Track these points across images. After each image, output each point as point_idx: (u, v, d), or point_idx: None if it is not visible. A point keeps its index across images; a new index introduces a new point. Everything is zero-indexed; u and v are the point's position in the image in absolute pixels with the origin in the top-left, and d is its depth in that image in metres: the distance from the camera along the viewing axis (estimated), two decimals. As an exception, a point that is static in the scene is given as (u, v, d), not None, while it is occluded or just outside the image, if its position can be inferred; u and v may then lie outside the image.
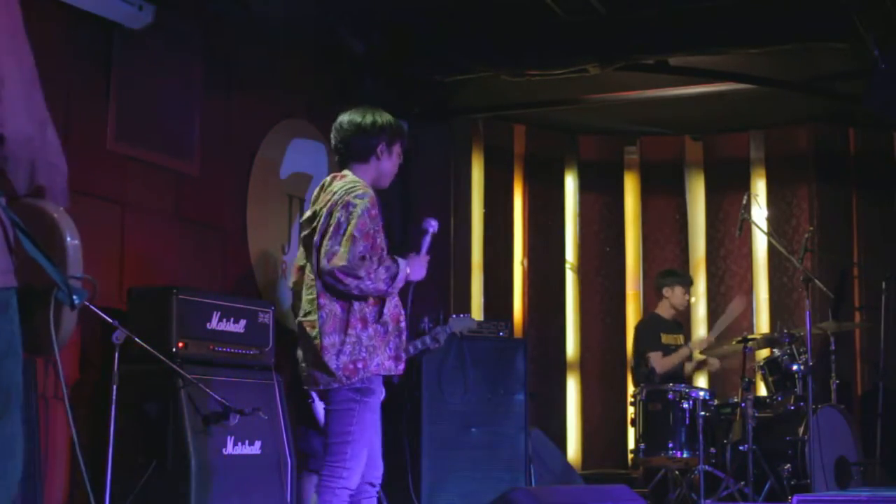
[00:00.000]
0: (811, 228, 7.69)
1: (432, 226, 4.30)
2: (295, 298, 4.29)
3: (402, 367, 4.11)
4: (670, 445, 6.95)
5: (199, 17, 5.80)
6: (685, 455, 6.92)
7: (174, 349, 4.76)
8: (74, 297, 1.96)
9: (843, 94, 7.45)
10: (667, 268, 8.33)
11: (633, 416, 7.15)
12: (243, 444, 4.93)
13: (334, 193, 4.07)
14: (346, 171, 4.22)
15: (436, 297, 6.82)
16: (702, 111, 8.26)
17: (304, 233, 4.19)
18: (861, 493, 5.41)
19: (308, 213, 4.19)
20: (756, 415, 6.65)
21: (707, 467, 6.68)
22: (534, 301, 8.56)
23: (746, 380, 6.61)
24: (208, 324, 4.99)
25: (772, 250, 8.36)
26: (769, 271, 8.51)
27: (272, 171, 6.37)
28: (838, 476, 6.80)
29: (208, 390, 4.67)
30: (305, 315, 4.08)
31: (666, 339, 7.70)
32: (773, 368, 7.01)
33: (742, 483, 6.59)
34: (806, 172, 8.48)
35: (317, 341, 3.98)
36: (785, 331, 6.96)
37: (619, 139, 9.02)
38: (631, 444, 7.53)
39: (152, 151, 5.49)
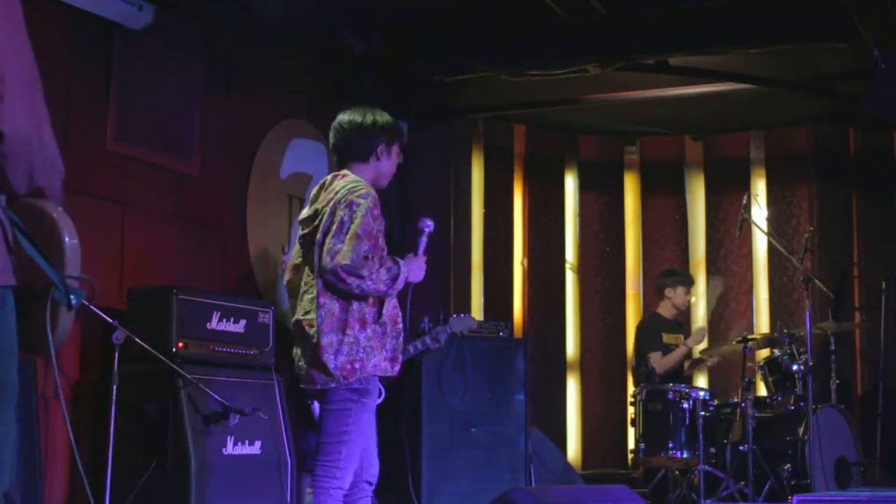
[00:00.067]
0: (811, 228, 7.69)
1: (428, 226, 4.29)
2: (290, 297, 4.28)
3: (397, 368, 4.10)
4: (670, 445, 6.95)
5: (199, 17, 5.81)
6: (685, 455, 6.92)
7: (174, 349, 4.76)
8: (72, 296, 1.96)
9: (843, 94, 7.45)
10: (667, 268, 8.33)
11: (633, 416, 7.15)
12: (243, 444, 4.93)
13: (336, 192, 4.06)
14: (346, 171, 4.21)
15: (436, 297, 6.82)
16: (702, 111, 8.26)
17: (304, 231, 4.18)
18: (861, 493, 5.42)
19: (308, 212, 4.18)
20: (756, 415, 6.66)
21: (707, 467, 6.68)
22: (534, 301, 8.56)
23: (746, 380, 6.62)
24: (208, 324, 4.99)
25: (772, 250, 8.36)
26: (769, 271, 8.51)
27: (272, 171, 6.37)
28: (838, 476, 6.80)
29: (208, 390, 4.67)
30: (304, 314, 4.07)
31: (667, 338, 7.70)
32: (773, 368, 7.01)
33: (742, 483, 6.60)
34: (806, 172, 8.48)
35: (315, 340, 3.97)
36: (785, 331, 6.96)
37: (619, 139, 9.02)
38: (631, 444, 7.53)
39: (152, 151, 5.49)
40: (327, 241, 3.97)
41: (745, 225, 7.23)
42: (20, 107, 1.97)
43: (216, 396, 4.68)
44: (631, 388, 7.98)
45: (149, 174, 5.48)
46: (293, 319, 4.15)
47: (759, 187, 8.63)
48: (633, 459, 7.51)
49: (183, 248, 5.68)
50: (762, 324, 8.43)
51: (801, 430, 6.72)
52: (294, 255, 4.31)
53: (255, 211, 6.19)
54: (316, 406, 4.21)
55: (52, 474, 4.74)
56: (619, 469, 8.30)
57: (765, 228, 7.82)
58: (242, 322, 5.17)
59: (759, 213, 8.00)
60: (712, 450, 6.91)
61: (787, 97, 7.80)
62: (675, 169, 8.93)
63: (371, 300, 4.03)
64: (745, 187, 8.29)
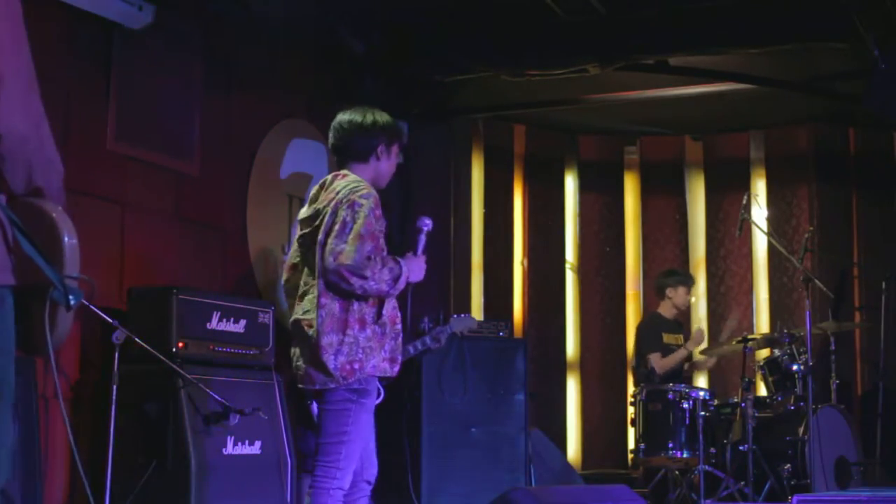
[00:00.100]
0: (811, 228, 7.69)
1: (427, 224, 4.28)
2: (288, 297, 4.27)
3: (396, 368, 4.09)
4: (670, 445, 6.95)
5: (199, 17, 5.81)
6: (685, 455, 6.92)
7: (174, 349, 4.76)
8: (70, 297, 1.96)
9: (843, 94, 7.45)
10: (667, 268, 8.33)
11: (633, 416, 7.15)
12: (243, 444, 4.93)
13: (337, 192, 4.05)
14: (346, 171, 4.20)
15: (436, 297, 6.83)
16: (702, 111, 8.27)
17: (304, 231, 4.17)
18: (861, 493, 5.41)
19: (308, 212, 4.16)
20: (756, 415, 6.65)
21: (707, 467, 6.68)
22: (534, 301, 8.56)
23: (746, 380, 6.62)
24: (208, 324, 4.99)
25: (772, 250, 8.36)
26: (769, 271, 8.51)
27: (272, 171, 6.37)
28: (838, 476, 6.79)
29: (208, 390, 4.67)
30: (304, 314, 4.06)
31: (667, 338, 7.70)
32: (773, 368, 7.01)
33: (742, 483, 6.59)
34: (806, 172, 8.48)
35: (314, 340, 3.97)
36: (785, 331, 6.96)
37: (619, 139, 9.02)
38: (631, 444, 7.53)
39: (152, 151, 5.49)
40: (329, 241, 3.96)
41: (745, 225, 7.23)
42: (18, 106, 1.97)
43: (216, 396, 4.68)
44: (631, 388, 7.98)
45: (149, 174, 5.48)
46: (291, 319, 4.14)
47: (759, 187, 8.63)
48: (633, 459, 7.51)
49: (183, 248, 5.69)
50: (762, 324, 8.43)
51: (801, 430, 6.72)
52: (292, 254, 4.30)
53: (255, 211, 6.19)
54: (315, 406, 4.21)
55: (52, 474, 4.74)
56: (619, 469, 8.30)
57: (765, 228, 7.82)
58: (242, 322, 5.17)
59: (759, 213, 8.00)
60: (712, 450, 6.91)
61: (787, 97, 7.80)
62: (675, 169, 8.93)
63: (371, 301, 4.02)
64: (745, 187, 8.29)
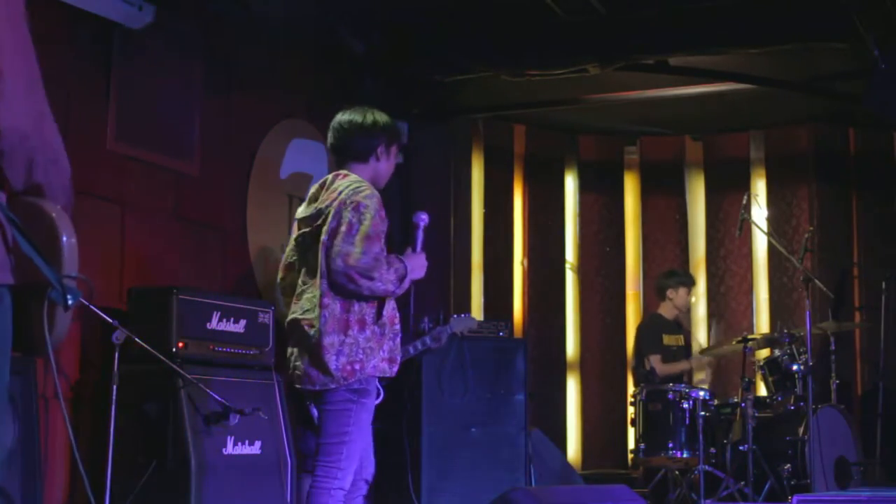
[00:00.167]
0: (811, 228, 7.69)
1: (423, 219, 4.27)
2: (284, 296, 4.27)
3: (395, 369, 4.09)
4: (670, 445, 6.95)
5: (199, 17, 5.81)
6: (685, 455, 6.92)
7: (174, 349, 4.76)
8: (68, 297, 1.95)
9: (843, 94, 7.45)
10: (667, 268, 8.33)
11: (633, 416, 7.15)
12: (243, 444, 4.93)
13: (339, 192, 4.05)
14: (346, 171, 4.20)
15: (436, 297, 6.82)
16: (702, 111, 8.26)
17: (304, 230, 4.16)
18: (861, 493, 5.41)
19: (308, 211, 4.15)
20: (756, 415, 6.66)
21: (707, 467, 6.68)
22: (534, 301, 8.56)
23: (746, 380, 6.62)
24: (208, 324, 4.99)
25: (772, 250, 8.36)
26: (769, 271, 8.51)
27: (272, 171, 6.37)
28: (838, 476, 6.80)
29: (208, 390, 4.67)
30: (303, 313, 4.06)
31: (668, 340, 7.71)
32: (773, 368, 7.01)
33: (742, 483, 6.60)
34: (806, 172, 8.48)
35: (315, 340, 3.96)
36: (785, 331, 6.96)
37: (619, 139, 9.02)
38: (631, 444, 7.53)
39: (152, 151, 5.49)
40: (336, 243, 3.95)
41: (745, 225, 7.23)
42: (19, 103, 1.96)
43: (216, 396, 4.68)
44: (631, 388, 7.98)
45: (149, 174, 5.48)
46: (289, 318, 4.13)
47: (759, 187, 8.63)
48: (633, 459, 7.51)
49: (183, 248, 5.69)
50: (762, 324, 8.43)
51: (801, 430, 6.72)
52: (288, 253, 4.29)
53: (255, 211, 6.19)
54: (314, 408, 4.21)
55: (52, 474, 4.74)
56: (619, 469, 8.30)
57: (765, 228, 7.82)
58: (242, 322, 5.17)
59: (759, 213, 8.00)
60: (712, 450, 6.91)
61: (787, 97, 7.80)
62: (675, 169, 8.93)
63: (371, 301, 4.02)
64: (745, 187, 8.29)
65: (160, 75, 5.54)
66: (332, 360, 3.93)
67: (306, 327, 4.01)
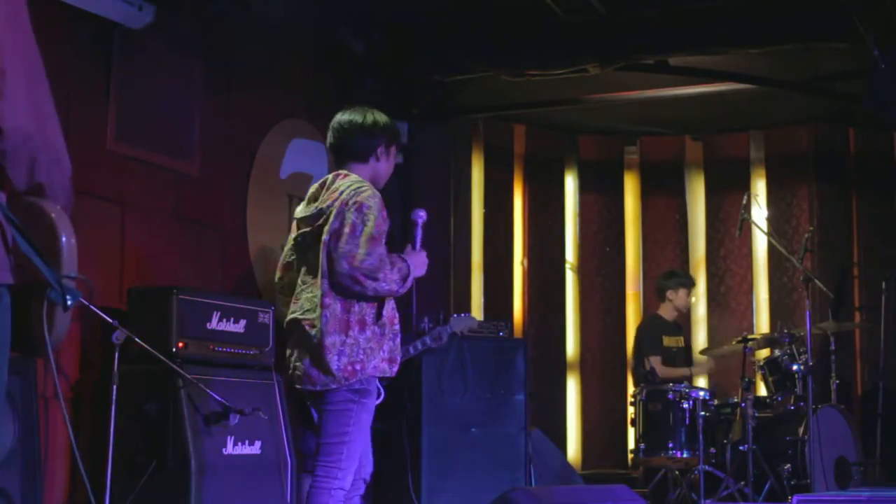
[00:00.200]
0: (811, 228, 7.69)
1: (421, 216, 4.28)
2: (282, 296, 4.26)
3: (395, 369, 4.10)
4: (670, 445, 6.95)
5: (199, 17, 5.80)
6: (685, 455, 6.92)
7: (174, 349, 4.76)
8: (67, 297, 1.95)
9: (843, 94, 7.45)
10: (667, 268, 8.33)
11: (633, 416, 7.15)
12: (243, 444, 4.93)
13: (341, 193, 4.04)
14: (347, 171, 4.19)
15: (436, 297, 6.82)
16: (702, 111, 8.26)
17: (304, 230, 4.16)
18: (861, 493, 5.41)
19: (309, 211, 4.14)
20: (756, 415, 6.66)
21: (707, 467, 6.68)
22: (534, 301, 8.56)
23: (746, 380, 6.62)
24: (208, 324, 4.99)
25: (772, 250, 8.36)
26: (769, 271, 8.51)
27: (272, 171, 6.37)
28: (838, 476, 6.80)
29: (208, 390, 4.67)
30: (303, 313, 4.06)
31: (668, 341, 7.72)
32: (773, 368, 7.01)
33: (742, 483, 6.60)
34: (806, 172, 8.48)
35: (317, 340, 3.96)
36: (785, 331, 6.96)
37: (619, 139, 9.02)
38: (631, 444, 7.53)
39: (152, 151, 5.49)
40: (340, 245, 3.94)
41: (745, 225, 7.23)
42: (22, 102, 1.96)
43: (216, 396, 4.68)
44: (631, 388, 7.98)
45: (149, 174, 5.48)
46: (288, 318, 4.13)
47: (759, 187, 8.63)
48: (633, 459, 7.51)
49: (183, 248, 5.68)
50: (762, 324, 8.43)
51: (801, 430, 6.72)
52: (286, 253, 4.29)
53: (255, 211, 6.19)
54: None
55: (52, 474, 4.73)
56: (619, 469, 8.30)
57: (765, 228, 7.82)
58: (242, 322, 5.17)
59: (759, 213, 8.00)
60: (712, 450, 6.91)
61: (787, 97, 7.80)
62: (675, 169, 8.93)
63: (371, 301, 4.02)
64: (745, 187, 8.29)
65: (160, 75, 5.54)
66: (333, 361, 3.93)
67: (307, 327, 4.01)
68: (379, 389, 4.15)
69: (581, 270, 8.84)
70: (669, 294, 7.78)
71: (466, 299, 8.04)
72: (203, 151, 5.80)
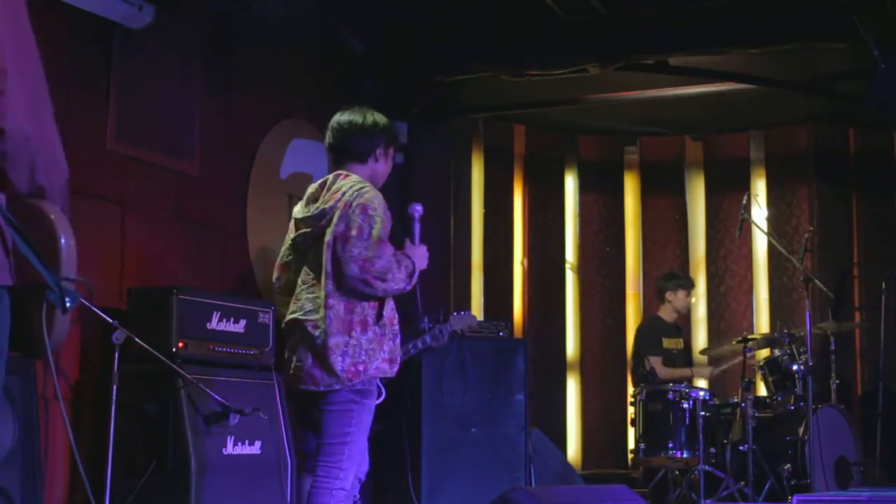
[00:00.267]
0: (811, 228, 7.69)
1: (417, 210, 4.28)
2: (281, 296, 4.25)
3: (395, 369, 4.10)
4: (670, 445, 6.95)
5: (199, 17, 5.81)
6: (685, 455, 6.92)
7: (174, 349, 4.76)
8: (66, 299, 1.95)
9: (843, 94, 7.45)
10: (667, 268, 8.34)
11: (633, 416, 7.15)
12: (243, 444, 4.93)
13: (343, 193, 4.04)
14: (346, 171, 4.19)
15: (436, 296, 6.82)
16: (702, 111, 8.26)
17: (305, 230, 4.15)
18: (861, 493, 5.41)
19: (310, 211, 4.13)
20: (756, 415, 6.66)
21: (707, 467, 6.68)
22: (534, 301, 8.56)
23: (746, 380, 6.61)
24: (208, 324, 4.99)
25: (772, 250, 8.36)
26: (769, 271, 8.51)
27: (272, 171, 6.37)
28: (838, 476, 6.80)
29: (208, 390, 4.67)
30: (305, 314, 4.05)
31: (668, 343, 7.72)
32: (773, 368, 7.01)
33: (742, 483, 6.59)
34: (806, 172, 8.48)
35: (321, 341, 3.96)
36: (785, 331, 6.96)
37: (619, 139, 9.02)
38: (631, 444, 7.53)
39: (152, 151, 5.49)
40: (348, 248, 3.94)
41: (745, 225, 7.23)
42: (22, 104, 1.96)
43: (216, 396, 4.68)
44: (631, 388, 7.98)
45: (149, 174, 5.48)
46: (288, 318, 4.12)
47: (759, 187, 8.63)
48: (633, 459, 7.51)
49: (183, 248, 5.69)
50: (762, 324, 8.43)
51: (801, 430, 6.72)
52: (283, 253, 4.28)
53: (255, 211, 6.18)
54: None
55: (52, 474, 4.74)
56: (619, 469, 8.30)
57: (765, 228, 7.82)
58: (242, 322, 5.17)
59: (759, 213, 8.00)
60: (712, 450, 6.91)
61: (787, 97, 7.80)
62: (675, 169, 8.93)
63: (372, 302, 4.02)
64: (745, 187, 8.29)
65: (160, 75, 5.54)
66: (337, 362, 3.93)
67: (310, 328, 4.00)
68: (380, 389, 4.15)
69: (581, 270, 8.84)
70: (668, 295, 7.78)
71: (466, 299, 8.03)
72: (203, 151, 5.80)
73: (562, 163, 8.88)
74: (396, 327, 4.12)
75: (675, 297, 7.77)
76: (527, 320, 8.50)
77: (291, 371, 4.06)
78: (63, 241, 2.05)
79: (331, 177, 4.18)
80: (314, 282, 4.05)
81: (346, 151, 4.21)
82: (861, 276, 8.23)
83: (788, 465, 6.68)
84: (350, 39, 6.85)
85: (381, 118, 4.25)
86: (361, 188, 4.05)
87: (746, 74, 7.15)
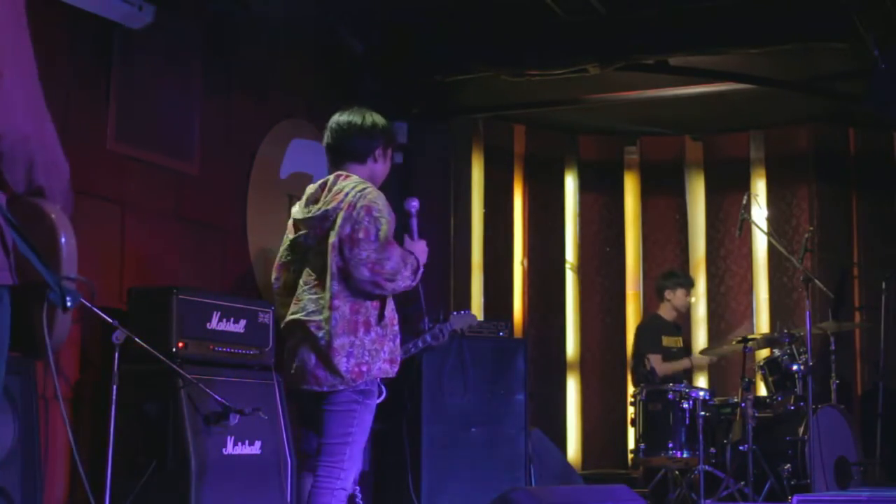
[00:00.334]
0: (811, 228, 7.69)
1: (414, 206, 4.29)
2: (280, 296, 4.25)
3: (396, 369, 4.11)
4: (670, 445, 6.95)
5: (199, 17, 5.81)
6: (685, 455, 6.92)
7: (174, 349, 4.76)
8: (67, 298, 1.95)
9: (843, 94, 7.45)
10: (667, 268, 8.34)
11: (633, 416, 7.16)
12: (243, 444, 4.93)
13: (346, 194, 4.03)
14: (346, 172, 4.19)
15: (436, 296, 6.82)
16: (702, 111, 8.26)
17: (304, 231, 4.15)
18: (861, 493, 5.42)
19: (311, 212, 4.12)
20: (756, 415, 6.65)
21: (707, 467, 6.68)
22: (534, 301, 8.56)
23: (746, 380, 6.61)
24: (208, 324, 4.99)
25: (772, 250, 8.36)
26: (769, 271, 8.51)
27: (272, 171, 6.37)
28: (838, 476, 6.80)
29: (208, 390, 4.67)
30: (307, 314, 4.05)
31: (667, 341, 7.71)
32: (773, 368, 7.01)
33: (742, 483, 6.59)
34: (806, 172, 8.48)
35: (325, 342, 3.95)
36: (785, 331, 6.96)
37: (619, 139, 9.02)
38: (631, 444, 7.53)
39: (152, 151, 5.49)
40: (358, 251, 3.94)
41: (745, 225, 7.23)
42: (20, 105, 1.96)
43: (216, 396, 4.68)
44: (631, 388, 7.98)
45: (149, 174, 5.48)
46: (289, 319, 4.11)
47: (759, 187, 8.63)
48: (633, 459, 7.51)
49: (183, 248, 5.69)
50: (762, 324, 8.43)
51: (801, 430, 6.72)
52: (282, 253, 4.28)
53: (255, 211, 6.18)
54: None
55: (52, 474, 4.74)
56: (619, 469, 8.29)
57: (765, 228, 7.82)
58: (242, 322, 5.17)
59: (759, 213, 8.00)
60: (712, 450, 6.91)
61: (787, 97, 7.80)
62: (675, 169, 8.93)
63: (374, 303, 4.02)
64: (745, 187, 8.29)
65: (160, 75, 5.54)
66: (342, 362, 3.93)
67: (313, 329, 3.99)
68: (381, 388, 4.16)
69: (581, 270, 8.84)
70: (667, 294, 7.78)
71: (466, 299, 8.03)
72: (203, 151, 5.80)
73: (562, 163, 8.88)
74: (396, 328, 4.12)
75: (675, 296, 7.77)
76: (527, 320, 8.50)
77: (293, 371, 4.06)
78: (63, 240, 2.04)
79: (331, 177, 4.17)
80: (317, 283, 4.05)
81: (345, 152, 4.21)
82: (861, 276, 8.23)
83: (788, 465, 6.68)
84: (350, 39, 6.85)
85: (379, 119, 4.25)
86: (364, 189, 4.05)
87: (746, 74, 7.15)
